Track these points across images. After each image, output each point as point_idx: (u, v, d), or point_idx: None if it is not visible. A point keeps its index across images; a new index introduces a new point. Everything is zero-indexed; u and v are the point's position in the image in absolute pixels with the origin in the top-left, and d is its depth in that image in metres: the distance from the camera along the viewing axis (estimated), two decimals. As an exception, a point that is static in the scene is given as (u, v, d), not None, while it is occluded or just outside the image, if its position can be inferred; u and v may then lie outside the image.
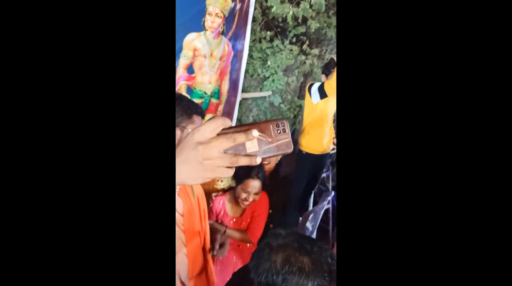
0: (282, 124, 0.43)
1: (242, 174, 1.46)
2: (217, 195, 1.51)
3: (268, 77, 2.64)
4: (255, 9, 2.40)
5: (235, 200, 1.47)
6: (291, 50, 2.68)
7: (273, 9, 2.04)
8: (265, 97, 2.79)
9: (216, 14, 2.00)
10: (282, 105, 2.87)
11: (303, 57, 2.73)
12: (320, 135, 2.26)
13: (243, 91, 2.58)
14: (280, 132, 0.43)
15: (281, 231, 0.66)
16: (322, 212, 2.12)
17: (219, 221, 1.49)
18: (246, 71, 2.56)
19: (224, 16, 2.07)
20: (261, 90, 2.78)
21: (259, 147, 0.42)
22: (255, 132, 0.41)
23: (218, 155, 0.40)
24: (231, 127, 0.42)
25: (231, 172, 0.42)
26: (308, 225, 2.22)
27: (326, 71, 2.08)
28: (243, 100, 2.83)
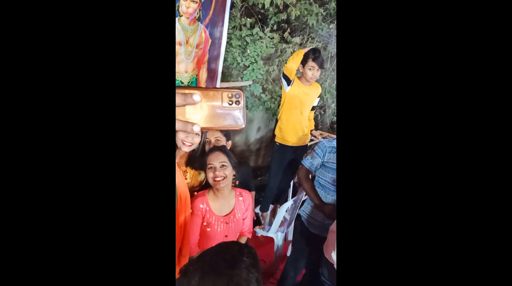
0: (237, 95, 0.38)
1: (200, 153, 1.36)
2: (196, 194, 1.40)
3: (248, 66, 2.58)
4: (234, -6, 2.31)
5: (215, 193, 1.37)
6: (272, 38, 2.61)
7: (251, -5, 1.96)
8: (245, 86, 2.73)
9: (191, -1, 1.91)
10: (263, 95, 2.82)
11: (284, 46, 2.67)
12: (294, 126, 2.23)
13: (222, 80, 2.51)
14: (232, 103, 0.38)
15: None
16: (300, 202, 2.12)
17: (205, 223, 1.35)
18: (225, 60, 2.48)
19: (200, 1, 1.98)
20: (241, 79, 2.71)
21: (201, 115, 0.37)
22: (196, 96, 0.36)
23: None
24: (176, 87, 0.37)
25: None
26: (286, 215, 2.23)
27: (303, 60, 2.03)
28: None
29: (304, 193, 1.81)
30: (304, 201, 1.79)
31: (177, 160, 1.37)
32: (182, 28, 1.96)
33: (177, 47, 1.96)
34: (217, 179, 1.31)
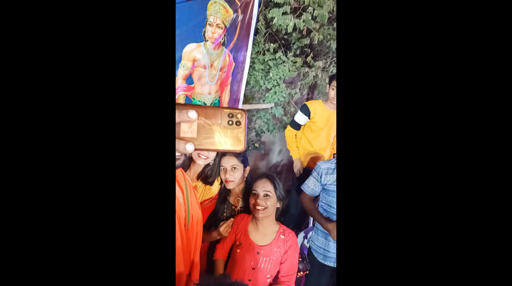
0: (237, 116, 0.36)
1: (214, 169, 1.31)
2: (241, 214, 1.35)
3: (270, 89, 2.60)
4: (258, 21, 2.39)
5: (255, 222, 1.27)
6: (295, 62, 2.64)
7: (275, 21, 2.02)
8: (267, 109, 2.74)
9: (217, 24, 1.99)
10: (284, 117, 2.81)
11: (307, 69, 2.69)
12: (315, 149, 2.19)
13: (244, 102, 2.55)
14: (232, 123, 0.36)
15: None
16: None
17: (238, 243, 1.28)
18: (248, 83, 2.53)
19: (225, 27, 2.06)
20: (263, 102, 2.73)
21: (197, 134, 0.35)
22: (192, 113, 0.34)
23: None
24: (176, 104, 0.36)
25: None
26: (306, 242, 2.12)
27: (329, 80, 2.05)
28: (247, 111, 2.79)
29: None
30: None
31: (190, 174, 1.36)
32: (207, 52, 2.03)
33: (201, 70, 2.03)
34: (258, 208, 1.23)
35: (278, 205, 1.29)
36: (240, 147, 0.36)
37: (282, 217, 2.42)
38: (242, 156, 1.52)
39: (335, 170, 1.41)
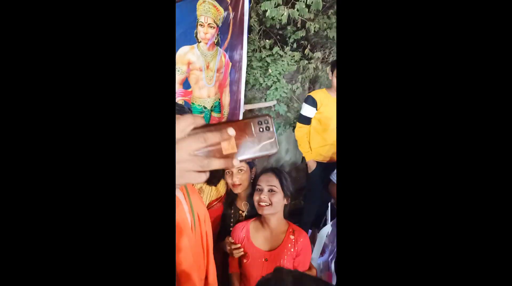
0: (266, 121, 0.39)
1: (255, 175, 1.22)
2: (238, 222, 1.26)
3: (271, 86, 2.52)
4: (250, 17, 2.32)
5: (261, 221, 1.17)
6: (293, 56, 2.56)
7: (268, 13, 1.94)
8: (270, 107, 2.66)
9: (209, 24, 1.93)
10: (288, 114, 2.73)
11: (306, 62, 2.60)
12: (326, 140, 2.09)
13: (246, 102, 2.47)
14: (263, 130, 0.39)
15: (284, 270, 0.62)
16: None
17: (244, 253, 1.16)
18: (247, 82, 2.45)
19: (218, 26, 1.99)
20: (265, 100, 2.65)
21: (237, 148, 0.38)
22: (231, 131, 0.37)
23: (187, 157, 0.36)
24: (204, 126, 0.37)
25: (203, 177, 0.37)
26: (327, 240, 2.01)
27: (332, 67, 1.98)
28: (248, 111, 2.72)
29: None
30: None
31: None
32: (202, 53, 1.96)
33: (198, 72, 1.96)
34: (262, 204, 1.11)
35: (286, 202, 1.17)
36: (274, 149, 0.39)
37: (295, 217, 2.33)
38: None
39: None
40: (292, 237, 1.14)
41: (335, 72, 1.92)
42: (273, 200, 1.12)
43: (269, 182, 1.14)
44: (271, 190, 1.13)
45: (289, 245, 1.12)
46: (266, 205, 1.12)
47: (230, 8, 2.06)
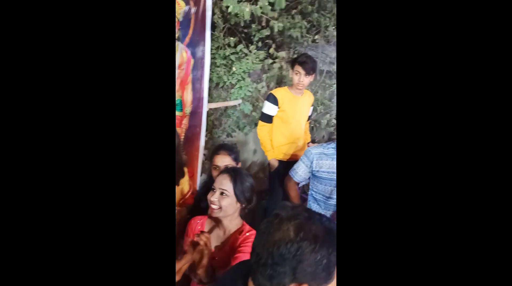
0: None
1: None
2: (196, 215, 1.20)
3: (235, 84, 2.48)
4: (214, 14, 2.27)
5: (216, 221, 1.12)
6: (258, 55, 2.54)
7: (230, 9, 1.90)
8: (235, 106, 2.62)
9: (168, 18, 1.85)
10: (254, 113, 2.70)
11: (270, 61, 2.60)
12: (288, 139, 2.09)
13: (210, 101, 2.40)
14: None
15: (288, 204, 0.63)
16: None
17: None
18: (211, 80, 2.39)
19: (178, 20, 1.91)
20: (230, 99, 2.61)
21: None
22: None
23: None
24: None
25: None
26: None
27: (291, 64, 2.01)
28: (213, 111, 2.65)
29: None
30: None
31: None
32: (161, 48, 1.87)
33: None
34: (212, 206, 1.05)
35: (238, 206, 1.09)
36: None
37: (256, 217, 2.30)
38: (234, 153, 1.44)
39: (329, 156, 1.30)
40: (247, 234, 1.10)
41: (295, 68, 1.93)
42: (223, 203, 1.05)
43: (222, 184, 1.07)
44: (222, 193, 1.07)
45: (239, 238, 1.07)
46: (216, 208, 1.06)
47: (191, 2, 1.99)
